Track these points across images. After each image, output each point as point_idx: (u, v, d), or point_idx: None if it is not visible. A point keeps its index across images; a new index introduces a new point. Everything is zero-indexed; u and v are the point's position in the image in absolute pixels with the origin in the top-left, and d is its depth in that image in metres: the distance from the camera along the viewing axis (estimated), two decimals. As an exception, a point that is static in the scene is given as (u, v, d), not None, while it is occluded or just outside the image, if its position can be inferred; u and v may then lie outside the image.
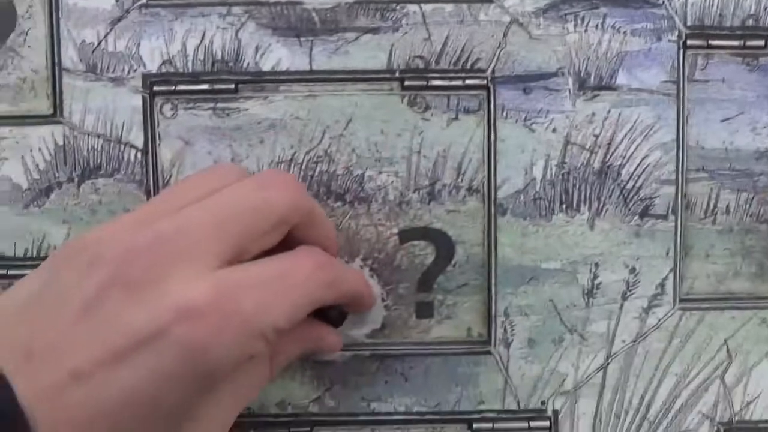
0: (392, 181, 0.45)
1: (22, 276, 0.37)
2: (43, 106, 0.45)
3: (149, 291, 0.32)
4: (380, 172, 0.45)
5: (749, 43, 0.46)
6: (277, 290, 0.34)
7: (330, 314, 0.41)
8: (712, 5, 0.46)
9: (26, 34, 0.45)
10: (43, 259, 0.45)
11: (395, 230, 0.45)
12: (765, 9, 0.46)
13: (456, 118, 0.46)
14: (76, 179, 0.45)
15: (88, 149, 0.45)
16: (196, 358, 0.31)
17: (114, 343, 0.31)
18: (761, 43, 0.46)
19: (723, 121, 0.47)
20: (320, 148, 0.45)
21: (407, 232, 0.45)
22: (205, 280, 0.32)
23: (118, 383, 0.30)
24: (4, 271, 0.46)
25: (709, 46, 0.46)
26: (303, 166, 0.45)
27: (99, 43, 0.45)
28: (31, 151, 0.46)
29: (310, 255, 0.37)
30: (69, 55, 0.45)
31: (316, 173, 0.45)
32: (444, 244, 0.46)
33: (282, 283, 0.35)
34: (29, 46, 0.45)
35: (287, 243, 0.39)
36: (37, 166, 0.45)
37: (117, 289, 0.32)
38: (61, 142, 0.45)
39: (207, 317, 0.31)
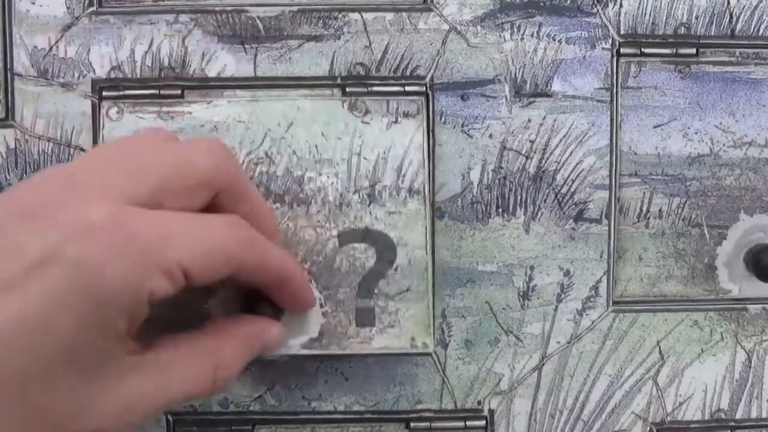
0: (332, 182, 0.45)
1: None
2: (-5, 110, 0.46)
3: (46, 217, 0.29)
4: (320, 174, 0.45)
5: (681, 51, 0.47)
6: (184, 227, 0.32)
7: (264, 311, 0.40)
8: (645, 14, 0.47)
9: (-22, 40, 0.47)
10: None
11: (335, 232, 0.45)
12: (696, 17, 0.47)
13: (396, 122, 0.46)
14: (27, 181, 0.47)
15: (38, 152, 0.46)
16: (87, 278, 0.28)
17: (6, 271, 0.28)
18: (693, 51, 0.47)
19: (655, 127, 0.48)
20: (261, 149, 0.45)
21: (347, 234, 0.45)
22: (107, 205, 0.30)
23: (8, 311, 0.28)
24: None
25: (642, 54, 0.47)
26: (243, 167, 0.45)
27: (50, 49, 0.46)
28: (-19, 153, 0.47)
29: (228, 216, 0.34)
30: (21, 61, 0.46)
31: (256, 174, 0.45)
32: (385, 247, 0.45)
33: (191, 223, 0.32)
34: (-19, 52, 0.47)
35: None
36: (-12, 168, 0.47)
37: (13, 219, 0.30)
38: (12, 146, 0.46)
39: (101, 234, 0.29)
